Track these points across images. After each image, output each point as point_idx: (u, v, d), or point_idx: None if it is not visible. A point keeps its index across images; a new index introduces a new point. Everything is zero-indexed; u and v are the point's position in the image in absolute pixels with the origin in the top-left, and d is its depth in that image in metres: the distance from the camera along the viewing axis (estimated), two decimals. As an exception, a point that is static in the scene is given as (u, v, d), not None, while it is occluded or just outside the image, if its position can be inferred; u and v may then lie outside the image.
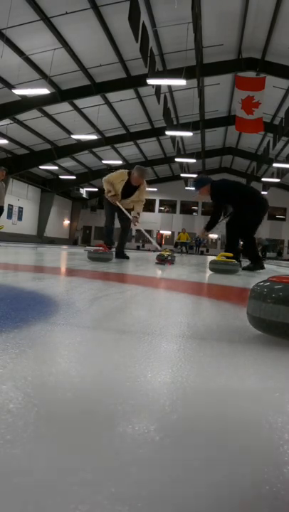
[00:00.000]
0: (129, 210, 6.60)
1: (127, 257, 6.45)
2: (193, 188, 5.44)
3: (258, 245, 28.06)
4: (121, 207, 6.49)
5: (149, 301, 1.89)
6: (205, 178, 5.65)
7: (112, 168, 29.21)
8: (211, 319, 1.45)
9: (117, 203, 6.46)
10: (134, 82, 16.02)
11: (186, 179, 31.27)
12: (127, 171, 6.48)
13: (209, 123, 21.38)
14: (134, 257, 7.95)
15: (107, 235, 6.75)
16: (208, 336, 1.11)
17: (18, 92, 14.79)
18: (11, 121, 18.97)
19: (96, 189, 33.43)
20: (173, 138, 21.17)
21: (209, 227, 5.73)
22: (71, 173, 29.75)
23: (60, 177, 30.04)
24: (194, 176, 29.40)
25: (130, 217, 6.55)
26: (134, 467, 0.40)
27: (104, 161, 26.63)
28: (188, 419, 0.54)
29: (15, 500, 0.33)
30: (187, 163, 27.82)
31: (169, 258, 5.39)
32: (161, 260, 5.26)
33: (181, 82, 13.25)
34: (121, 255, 6.47)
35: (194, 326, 1.27)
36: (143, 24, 10.86)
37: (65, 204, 36.03)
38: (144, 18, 11.03)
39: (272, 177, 28.42)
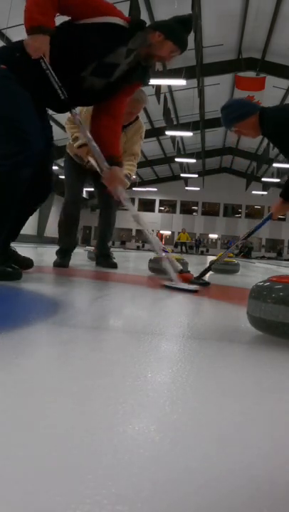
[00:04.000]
0: None
1: (115, 265, 3.62)
2: (224, 121, 2.61)
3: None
4: (96, 166, 3.06)
5: (149, 301, 1.88)
6: (247, 103, 2.67)
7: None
8: (211, 319, 1.45)
9: (90, 159, 3.24)
10: (134, 82, 15.99)
11: (186, 179, 31.26)
12: None
13: (209, 123, 21.34)
14: (134, 257, 7.93)
15: (68, 225, 3.46)
16: (208, 336, 1.11)
17: (18, 92, 14.77)
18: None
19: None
20: (173, 138, 21.16)
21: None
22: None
23: (60, 177, 29.97)
24: (194, 176, 29.42)
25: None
26: (134, 467, 0.40)
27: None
28: (188, 419, 0.54)
29: (15, 501, 0.33)
30: (187, 163, 27.79)
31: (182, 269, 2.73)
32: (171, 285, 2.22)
33: (181, 82, 13.24)
34: (105, 261, 3.66)
35: (194, 326, 1.27)
36: (143, 24, 10.85)
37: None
38: (144, 18, 11.00)
39: (272, 177, 28.41)
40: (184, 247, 26.92)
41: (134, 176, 3.29)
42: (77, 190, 3.51)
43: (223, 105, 2.62)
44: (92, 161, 3.15)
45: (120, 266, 4.04)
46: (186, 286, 2.02)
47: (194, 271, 2.81)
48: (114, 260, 3.72)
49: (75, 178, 3.48)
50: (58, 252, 3.33)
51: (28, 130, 1.84)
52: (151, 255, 3.54)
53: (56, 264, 3.16)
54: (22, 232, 2.29)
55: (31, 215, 2.26)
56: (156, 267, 2.96)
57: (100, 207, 3.71)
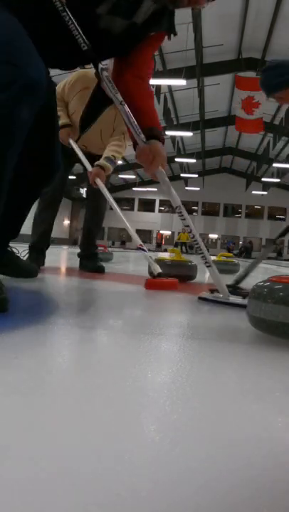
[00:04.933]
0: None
1: (101, 268, 2.96)
2: (263, 84, 2.08)
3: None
4: (78, 152, 2.75)
5: (149, 301, 1.88)
6: None
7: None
8: (211, 319, 1.45)
9: (71, 143, 2.76)
10: (134, 82, 15.98)
11: (186, 179, 31.26)
12: (93, 71, 2.25)
13: (209, 123, 21.37)
14: (134, 257, 7.93)
15: (42, 226, 2.88)
16: (209, 335, 1.11)
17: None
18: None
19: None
20: (173, 138, 21.17)
21: None
22: (71, 173, 29.70)
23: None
24: (194, 176, 29.42)
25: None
26: (134, 467, 0.40)
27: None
28: (188, 419, 0.54)
29: (14, 501, 0.33)
30: (187, 163, 27.82)
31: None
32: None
33: (181, 82, 13.26)
34: (91, 263, 3.02)
35: (194, 326, 1.27)
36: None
37: (65, 204, 35.80)
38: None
39: (272, 177, 28.45)
40: (184, 247, 26.92)
41: (119, 161, 2.76)
42: (60, 179, 2.68)
43: (266, 66, 2.17)
44: (74, 146, 2.74)
45: (120, 266, 4.04)
46: (238, 300, 1.66)
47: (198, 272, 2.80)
48: (102, 263, 3.09)
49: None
50: (30, 251, 2.79)
51: (20, 55, 1.29)
52: (152, 255, 3.28)
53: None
54: (22, 232, 1.91)
55: (33, 202, 1.82)
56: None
57: (88, 198, 3.12)
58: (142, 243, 2.47)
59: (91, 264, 2.99)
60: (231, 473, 0.40)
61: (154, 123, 1.74)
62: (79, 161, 2.81)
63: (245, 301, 1.50)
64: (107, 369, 0.74)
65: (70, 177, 2.85)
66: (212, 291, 1.79)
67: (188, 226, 1.75)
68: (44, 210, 2.89)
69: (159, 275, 2.15)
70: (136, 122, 1.65)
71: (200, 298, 1.77)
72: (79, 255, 3.13)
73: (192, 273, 2.56)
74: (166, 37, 1.76)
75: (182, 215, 1.77)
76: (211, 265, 1.71)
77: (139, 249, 2.42)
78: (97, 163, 2.71)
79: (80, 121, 2.70)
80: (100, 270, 2.94)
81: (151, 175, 1.74)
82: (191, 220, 1.89)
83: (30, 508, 0.33)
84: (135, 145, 1.67)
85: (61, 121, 2.67)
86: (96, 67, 1.62)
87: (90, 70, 2.70)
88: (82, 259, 3.10)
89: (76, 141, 2.81)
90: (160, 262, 2.50)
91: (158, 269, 2.19)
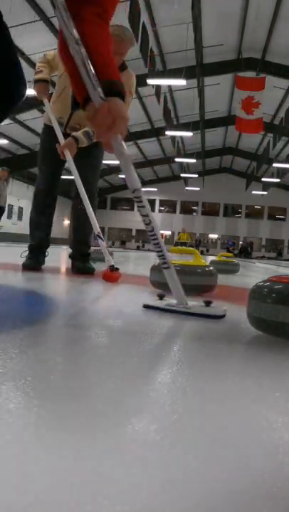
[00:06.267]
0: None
1: (92, 270, 2.72)
2: None
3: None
4: (53, 122, 2.61)
5: (148, 302, 1.88)
6: None
7: (111, 169, 29.01)
8: (211, 319, 1.45)
9: (45, 103, 2.67)
10: (134, 82, 15.97)
11: (186, 179, 31.25)
12: None
13: (209, 123, 21.35)
14: (134, 258, 7.92)
15: (38, 219, 2.80)
16: (209, 336, 1.11)
17: (18, 92, 14.73)
18: (11, 121, 18.96)
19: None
20: (173, 138, 21.16)
21: None
22: (71, 173, 29.65)
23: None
24: (194, 176, 29.45)
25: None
26: (134, 467, 0.40)
27: (103, 161, 26.52)
28: (188, 419, 0.54)
29: (15, 502, 0.33)
30: (187, 163, 27.81)
31: None
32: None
33: (181, 82, 13.26)
34: (82, 264, 2.77)
35: (194, 326, 1.27)
36: (143, 24, 10.85)
37: (65, 204, 35.77)
38: (144, 18, 11.01)
39: (272, 177, 28.43)
40: (184, 247, 26.90)
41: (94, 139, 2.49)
42: (51, 174, 2.82)
43: None
44: (48, 108, 2.64)
45: (120, 266, 4.02)
46: (203, 310, 1.39)
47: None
48: (92, 264, 2.82)
49: (50, 157, 2.70)
50: (29, 251, 2.75)
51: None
52: (152, 257, 3.10)
53: (25, 266, 2.59)
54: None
55: None
56: (161, 280, 1.77)
57: (79, 182, 2.64)
58: (100, 231, 2.47)
59: (83, 265, 2.75)
60: (231, 473, 0.40)
61: (114, 75, 1.32)
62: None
63: (203, 310, 1.37)
64: (108, 369, 0.73)
65: (70, 177, 2.58)
66: (161, 296, 1.51)
67: (146, 216, 1.36)
68: (40, 212, 2.78)
69: (112, 268, 2.25)
70: (94, 72, 1.24)
71: (145, 306, 1.46)
72: (71, 256, 2.88)
73: (211, 282, 1.96)
74: None
75: (140, 201, 1.37)
76: (169, 267, 1.37)
77: (97, 236, 2.44)
78: (72, 134, 2.51)
79: (72, 98, 2.41)
80: (90, 271, 2.70)
81: (106, 143, 1.30)
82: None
83: (30, 508, 0.33)
84: (85, 102, 1.26)
85: (39, 76, 2.65)
86: None
87: None
88: (74, 258, 2.84)
89: (69, 120, 2.69)
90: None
91: (111, 262, 2.29)
